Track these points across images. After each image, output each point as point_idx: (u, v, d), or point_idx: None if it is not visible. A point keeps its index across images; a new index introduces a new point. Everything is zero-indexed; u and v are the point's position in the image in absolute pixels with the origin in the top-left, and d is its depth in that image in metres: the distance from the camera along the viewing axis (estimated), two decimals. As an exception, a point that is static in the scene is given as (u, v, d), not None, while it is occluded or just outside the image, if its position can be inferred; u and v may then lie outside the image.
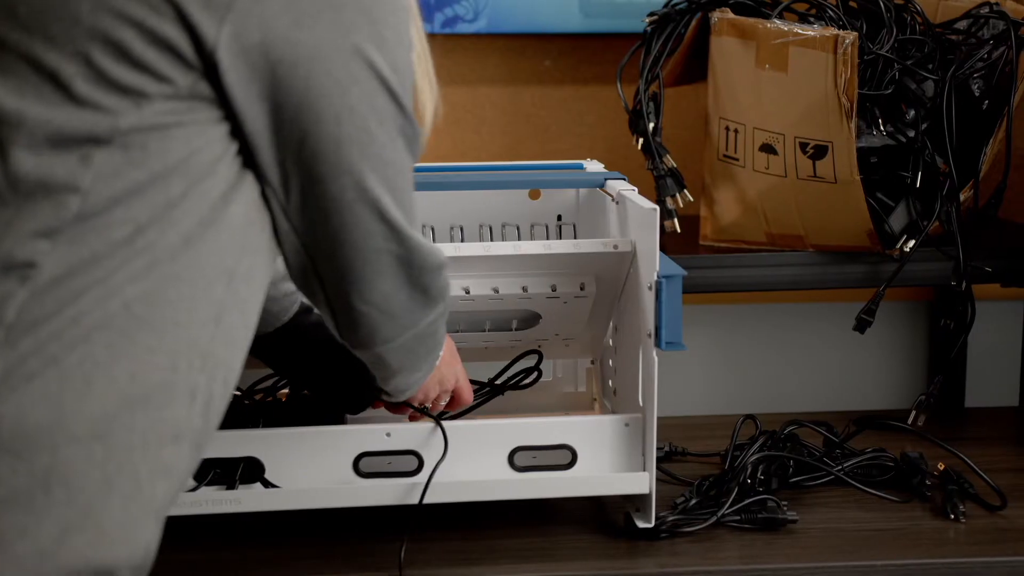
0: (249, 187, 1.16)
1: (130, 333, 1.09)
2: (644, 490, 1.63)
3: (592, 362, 1.89)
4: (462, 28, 2.24)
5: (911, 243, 1.92)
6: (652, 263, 1.59)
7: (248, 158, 1.15)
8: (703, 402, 2.29)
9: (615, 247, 1.65)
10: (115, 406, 1.08)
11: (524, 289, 1.69)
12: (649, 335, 1.60)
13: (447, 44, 2.27)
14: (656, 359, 1.60)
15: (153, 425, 1.10)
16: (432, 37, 2.22)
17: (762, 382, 2.36)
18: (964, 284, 1.92)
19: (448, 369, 1.57)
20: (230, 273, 1.15)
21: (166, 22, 1.08)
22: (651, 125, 2.00)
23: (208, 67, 1.10)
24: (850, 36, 1.84)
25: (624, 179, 1.76)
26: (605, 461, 1.65)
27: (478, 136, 2.30)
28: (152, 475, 1.11)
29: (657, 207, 1.59)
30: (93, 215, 1.08)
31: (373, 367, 1.40)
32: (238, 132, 1.14)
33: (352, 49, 1.13)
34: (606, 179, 1.77)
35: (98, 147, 1.08)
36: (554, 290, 1.69)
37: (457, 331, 1.74)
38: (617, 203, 1.72)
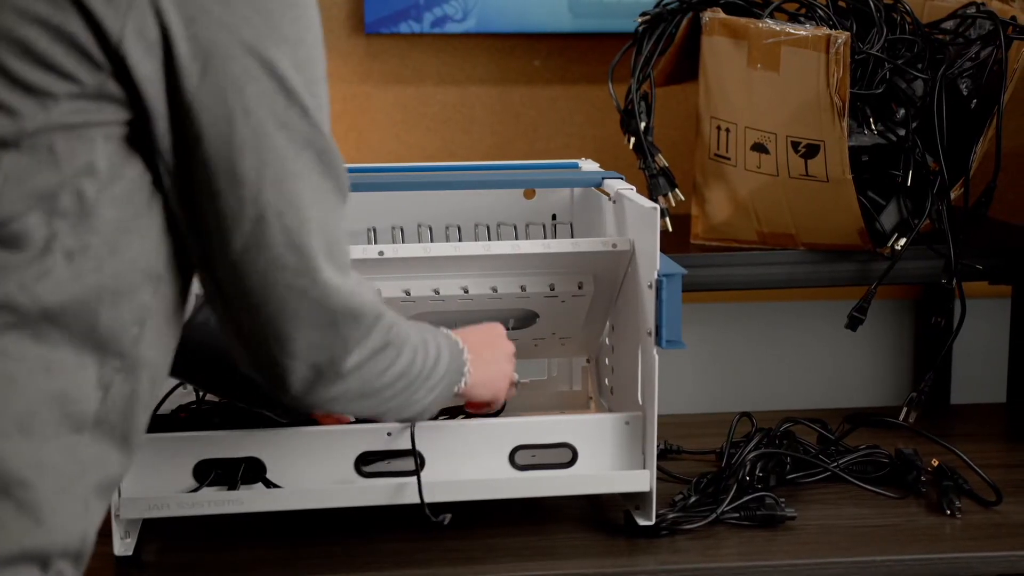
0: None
1: (46, 335, 1.10)
2: (645, 488, 1.64)
3: (587, 361, 1.89)
4: (451, 28, 2.24)
5: (902, 241, 1.93)
6: (652, 262, 1.59)
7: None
8: (694, 400, 2.30)
9: (614, 246, 1.66)
10: (36, 402, 1.10)
11: (523, 288, 1.69)
12: (649, 333, 1.60)
13: (436, 44, 2.27)
14: (657, 357, 1.60)
15: (65, 419, 1.12)
16: (421, 37, 2.26)
17: (752, 380, 2.37)
18: (955, 282, 1.93)
19: (502, 358, 1.55)
20: (156, 278, 1.15)
21: (70, 18, 1.07)
22: (643, 124, 2.01)
23: (116, 64, 1.08)
24: (842, 36, 1.85)
25: (622, 178, 1.77)
26: (605, 459, 1.66)
27: (467, 136, 2.30)
28: (69, 466, 1.13)
29: (658, 206, 1.60)
30: (7, 222, 1.08)
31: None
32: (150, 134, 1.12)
33: (246, 46, 1.09)
34: (603, 178, 1.78)
35: (5, 150, 1.08)
36: (552, 289, 1.70)
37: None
38: (614, 202, 1.73)
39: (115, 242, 1.11)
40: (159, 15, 1.08)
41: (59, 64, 1.07)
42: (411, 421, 1.45)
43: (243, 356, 1.21)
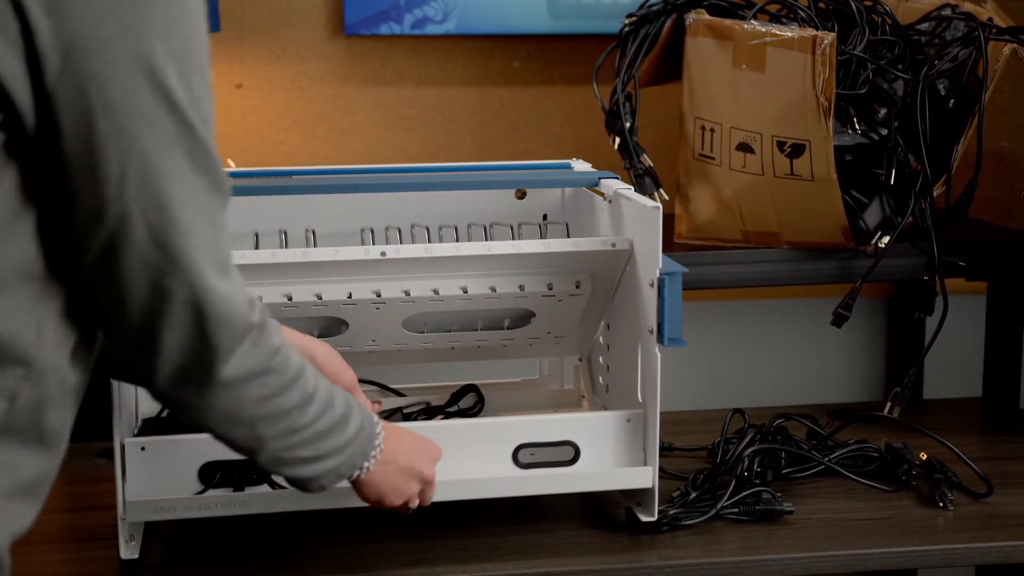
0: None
1: None
2: (647, 484, 1.65)
3: (580, 359, 1.90)
4: (431, 29, 2.25)
5: (885, 239, 1.96)
6: (654, 261, 1.61)
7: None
8: (678, 397, 2.31)
9: (613, 245, 1.67)
10: None
11: (521, 288, 1.70)
12: (651, 332, 1.62)
13: (417, 45, 2.28)
14: (659, 355, 1.62)
15: None
16: (401, 38, 2.27)
17: (734, 377, 2.40)
18: (937, 278, 1.97)
19: (418, 460, 1.48)
20: (43, 279, 1.11)
21: None
22: (628, 125, 2.03)
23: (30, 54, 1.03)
24: (828, 37, 1.88)
25: (617, 178, 1.78)
26: (607, 457, 1.67)
27: (448, 136, 2.31)
28: None
29: (660, 205, 1.61)
30: None
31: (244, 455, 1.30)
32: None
33: (110, 38, 1.03)
34: (600, 178, 1.79)
35: None
36: (550, 288, 1.71)
37: (450, 331, 1.75)
38: (610, 202, 1.74)
39: None
40: (18, 8, 1.02)
41: None
42: (299, 485, 1.34)
43: (114, 349, 1.18)
